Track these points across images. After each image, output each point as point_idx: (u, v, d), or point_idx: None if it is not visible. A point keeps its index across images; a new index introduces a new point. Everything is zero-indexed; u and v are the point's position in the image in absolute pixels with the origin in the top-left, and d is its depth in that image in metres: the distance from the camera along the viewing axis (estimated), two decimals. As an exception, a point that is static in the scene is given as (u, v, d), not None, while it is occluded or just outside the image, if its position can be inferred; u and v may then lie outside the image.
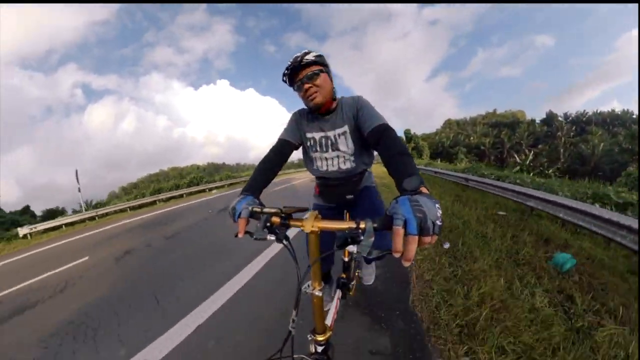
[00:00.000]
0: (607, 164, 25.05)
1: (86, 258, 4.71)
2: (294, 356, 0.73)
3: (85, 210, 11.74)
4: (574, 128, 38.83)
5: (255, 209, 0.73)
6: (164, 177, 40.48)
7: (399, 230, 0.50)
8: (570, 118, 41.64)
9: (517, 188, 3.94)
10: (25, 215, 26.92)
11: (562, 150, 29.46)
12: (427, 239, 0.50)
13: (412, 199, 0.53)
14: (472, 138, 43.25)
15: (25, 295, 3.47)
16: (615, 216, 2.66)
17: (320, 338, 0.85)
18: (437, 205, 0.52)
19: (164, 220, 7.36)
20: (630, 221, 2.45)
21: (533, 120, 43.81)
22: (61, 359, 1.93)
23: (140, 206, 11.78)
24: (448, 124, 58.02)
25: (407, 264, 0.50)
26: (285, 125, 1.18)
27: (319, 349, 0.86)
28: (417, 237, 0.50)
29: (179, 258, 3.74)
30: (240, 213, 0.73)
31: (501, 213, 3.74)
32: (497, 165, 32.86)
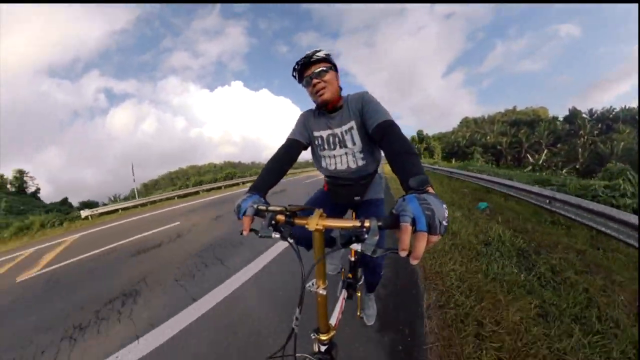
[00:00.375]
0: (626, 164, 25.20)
1: (177, 223, 6.20)
2: (297, 355, 0.76)
3: (137, 197, 14.50)
4: (599, 126, 38.19)
5: (260, 207, 0.77)
6: (183, 175, 44.03)
7: (407, 227, 0.51)
8: (596, 115, 40.86)
9: (475, 175, 5.92)
10: (64, 205, 30.98)
11: (580, 149, 29.72)
12: (434, 238, 0.52)
13: (420, 197, 0.55)
14: (488, 137, 43.41)
15: (149, 240, 4.80)
16: (554, 195, 4.60)
17: (323, 337, 0.87)
18: (444, 206, 0.54)
19: (229, 200, 9.63)
20: (537, 190, 4.37)
21: (554, 118, 43.36)
22: (220, 253, 3.51)
23: (185, 195, 14.44)
24: (465, 122, 58.05)
25: (415, 262, 0.51)
26: (293, 126, 1.23)
27: (322, 348, 0.89)
28: (426, 234, 0.51)
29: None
30: (245, 211, 0.78)
31: (464, 190, 5.71)
32: (514, 165, 33.43)
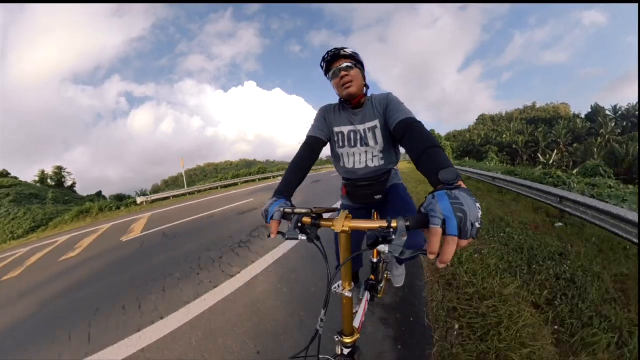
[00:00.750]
0: (641, 164, 25.88)
1: (251, 199, 7.92)
2: (320, 356, 0.79)
3: (186, 187, 18.01)
4: (623, 124, 38.52)
5: (286, 211, 0.81)
6: (201, 172, 48.02)
7: (437, 230, 0.51)
8: (620, 112, 41.01)
9: (460, 167, 8.71)
10: (100, 197, 35.49)
11: (596, 149, 30.75)
12: (464, 243, 0.51)
13: (451, 195, 0.54)
14: (504, 136, 44.02)
15: (241, 208, 6.45)
16: (495, 175, 7.39)
17: (347, 340, 0.91)
18: (477, 205, 0.52)
19: (276, 186, 12.52)
20: (485, 173, 7.16)
21: (575, 116, 43.79)
22: (315, 203, 6.80)
23: (226, 186, 17.76)
24: (482, 119, 58.91)
25: (442, 266, 0.51)
26: (312, 122, 1.27)
27: (346, 351, 0.92)
28: (456, 239, 0.50)
29: (323, 190, 8.37)
30: (272, 215, 0.82)
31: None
32: (529, 165, 34.63)
